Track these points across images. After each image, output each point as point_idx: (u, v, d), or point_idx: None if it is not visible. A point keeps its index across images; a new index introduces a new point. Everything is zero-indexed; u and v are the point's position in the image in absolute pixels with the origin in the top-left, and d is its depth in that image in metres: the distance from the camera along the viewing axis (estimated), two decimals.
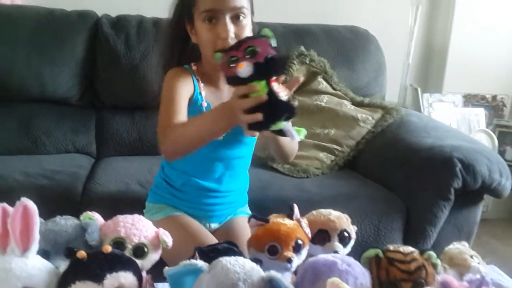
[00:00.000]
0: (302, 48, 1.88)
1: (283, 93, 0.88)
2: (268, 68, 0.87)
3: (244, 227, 1.16)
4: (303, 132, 0.95)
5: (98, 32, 1.79)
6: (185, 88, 1.10)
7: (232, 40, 1.04)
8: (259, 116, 0.85)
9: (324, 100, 1.82)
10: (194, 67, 1.15)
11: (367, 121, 1.74)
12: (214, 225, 1.21)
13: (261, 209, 1.32)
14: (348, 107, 1.79)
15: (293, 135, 0.89)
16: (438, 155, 1.44)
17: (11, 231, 0.65)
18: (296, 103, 1.43)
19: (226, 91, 1.15)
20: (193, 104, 1.12)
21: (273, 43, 0.91)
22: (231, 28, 1.04)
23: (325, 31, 1.97)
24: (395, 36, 2.19)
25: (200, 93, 1.13)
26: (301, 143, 1.73)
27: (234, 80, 0.90)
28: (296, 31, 1.94)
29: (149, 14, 1.86)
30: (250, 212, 1.27)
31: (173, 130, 1.02)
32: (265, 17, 1.96)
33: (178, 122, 1.04)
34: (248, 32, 1.08)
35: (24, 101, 1.75)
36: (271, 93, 0.86)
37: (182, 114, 1.06)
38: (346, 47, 1.95)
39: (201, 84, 1.14)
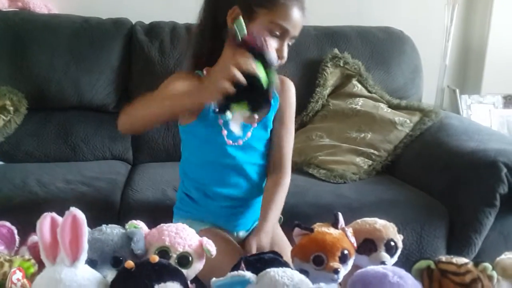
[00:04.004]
0: (336, 50, 1.86)
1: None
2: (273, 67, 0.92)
3: (274, 231, 1.15)
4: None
5: (132, 40, 1.81)
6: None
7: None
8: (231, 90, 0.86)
9: (359, 103, 1.79)
10: (207, 72, 1.12)
11: (405, 124, 1.70)
12: (242, 233, 1.19)
13: (298, 215, 1.31)
14: (384, 110, 1.76)
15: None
16: (482, 160, 1.39)
17: (60, 241, 0.65)
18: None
19: None
20: (204, 117, 1.10)
21: None
22: (286, 50, 1.08)
23: (358, 32, 1.93)
24: (430, 37, 2.13)
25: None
26: (337, 147, 1.73)
27: (248, 49, 0.90)
28: (329, 34, 1.91)
29: (182, 20, 1.87)
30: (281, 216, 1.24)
31: (134, 103, 1.04)
32: None
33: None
34: None
35: (62, 109, 1.79)
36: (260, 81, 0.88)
37: None
38: (381, 48, 1.91)
39: None
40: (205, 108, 1.09)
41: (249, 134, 1.14)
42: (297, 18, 1.07)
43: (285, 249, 1.04)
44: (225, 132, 1.12)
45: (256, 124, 1.14)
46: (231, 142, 1.13)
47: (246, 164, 1.15)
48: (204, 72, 1.12)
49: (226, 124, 1.11)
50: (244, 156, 1.14)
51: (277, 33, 1.06)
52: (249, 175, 1.16)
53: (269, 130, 1.17)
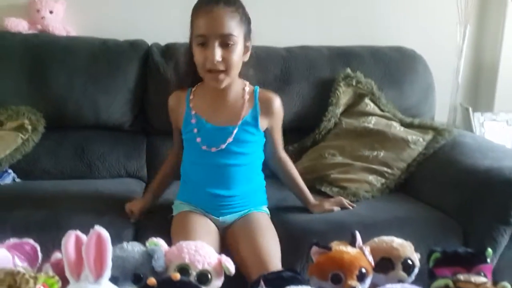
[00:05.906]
0: (348, 70, 1.87)
1: None
2: None
3: (259, 218, 1.31)
4: None
5: (148, 60, 1.85)
6: (174, 116, 1.41)
7: (219, 64, 1.21)
8: None
9: (372, 122, 1.80)
10: (196, 87, 1.36)
11: (417, 142, 1.70)
12: (224, 219, 1.31)
13: (310, 231, 1.32)
14: (397, 129, 1.76)
15: None
16: (496, 177, 1.39)
17: (85, 258, 0.67)
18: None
19: (220, 103, 1.31)
20: (185, 120, 1.33)
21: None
22: (218, 52, 1.20)
23: (371, 52, 1.95)
24: (443, 55, 2.14)
25: (191, 109, 1.33)
26: (349, 165, 1.74)
27: None
28: (342, 54, 1.93)
29: None
30: (267, 211, 1.39)
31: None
32: (309, 41, 1.99)
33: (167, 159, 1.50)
34: (237, 57, 1.24)
35: (79, 127, 1.82)
36: None
37: (174, 146, 1.46)
38: (393, 67, 1.92)
39: (193, 102, 1.34)
40: (186, 116, 1.33)
41: (223, 146, 1.28)
42: (207, 21, 1.20)
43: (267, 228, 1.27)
44: (199, 139, 1.30)
45: (235, 132, 1.28)
46: (205, 147, 1.29)
47: (227, 167, 1.28)
48: (197, 87, 1.37)
49: (200, 131, 1.30)
50: (224, 159, 1.29)
51: (205, 44, 1.21)
52: (232, 176, 1.29)
53: (252, 136, 1.32)
